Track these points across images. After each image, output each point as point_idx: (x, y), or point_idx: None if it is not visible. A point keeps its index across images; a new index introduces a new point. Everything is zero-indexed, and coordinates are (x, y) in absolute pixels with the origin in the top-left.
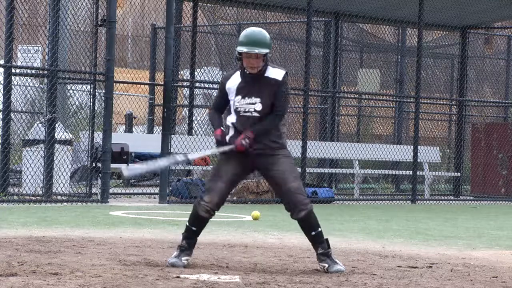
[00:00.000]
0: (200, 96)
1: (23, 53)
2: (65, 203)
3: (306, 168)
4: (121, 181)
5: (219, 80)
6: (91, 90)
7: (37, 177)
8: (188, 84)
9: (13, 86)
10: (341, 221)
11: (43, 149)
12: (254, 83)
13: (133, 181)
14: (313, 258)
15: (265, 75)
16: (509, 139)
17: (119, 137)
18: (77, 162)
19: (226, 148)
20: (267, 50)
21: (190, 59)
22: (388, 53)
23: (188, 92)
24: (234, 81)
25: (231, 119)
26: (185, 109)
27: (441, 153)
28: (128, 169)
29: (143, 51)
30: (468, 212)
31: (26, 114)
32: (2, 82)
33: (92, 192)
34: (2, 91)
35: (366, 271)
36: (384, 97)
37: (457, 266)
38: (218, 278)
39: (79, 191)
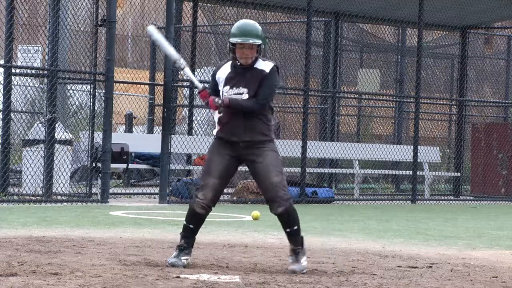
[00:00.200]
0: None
1: (23, 53)
2: (65, 203)
3: (306, 168)
4: (121, 181)
5: None
6: (91, 90)
7: (37, 177)
8: (188, 84)
9: (13, 86)
10: (341, 221)
11: (43, 149)
12: (243, 74)
13: (133, 181)
14: (313, 258)
15: (255, 66)
16: (509, 139)
17: (119, 137)
18: (77, 162)
19: (195, 81)
20: (260, 41)
21: (190, 59)
22: (388, 53)
23: (188, 92)
24: (224, 71)
25: (219, 114)
26: (185, 109)
27: (441, 153)
28: (154, 30)
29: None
30: (468, 212)
31: (26, 114)
32: (2, 82)
33: (92, 192)
34: (2, 91)
35: (366, 271)
36: (384, 97)
37: (457, 266)
38: (218, 278)
39: (79, 191)
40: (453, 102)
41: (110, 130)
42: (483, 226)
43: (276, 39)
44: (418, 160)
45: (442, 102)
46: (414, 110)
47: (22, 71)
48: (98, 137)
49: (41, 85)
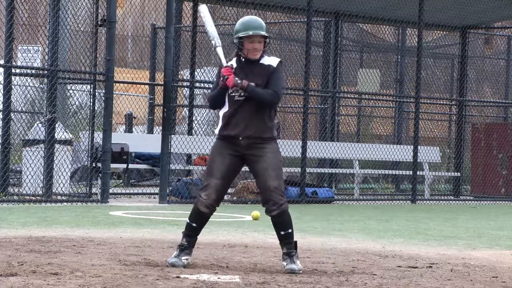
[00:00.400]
0: (200, 96)
1: (23, 53)
2: (65, 203)
3: (306, 168)
4: (121, 181)
5: None
6: (91, 90)
7: (37, 177)
8: (188, 84)
9: (13, 86)
10: (341, 221)
11: (43, 149)
12: (249, 70)
13: (133, 181)
14: (313, 258)
15: (261, 62)
16: (509, 139)
17: (119, 137)
18: (77, 162)
19: (223, 60)
20: (267, 35)
21: (190, 59)
22: (388, 53)
23: (188, 92)
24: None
25: (224, 109)
26: (185, 109)
27: (441, 153)
28: (204, 10)
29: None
30: (468, 212)
31: (26, 114)
32: (2, 82)
33: (92, 192)
34: (2, 91)
35: (366, 271)
36: (384, 97)
37: (457, 266)
38: (218, 278)
39: (79, 191)
40: (453, 102)
41: (110, 130)
42: (483, 226)
43: (276, 39)
44: (418, 160)
45: (442, 102)
46: (414, 110)
47: (22, 71)
48: (98, 137)
49: (41, 85)
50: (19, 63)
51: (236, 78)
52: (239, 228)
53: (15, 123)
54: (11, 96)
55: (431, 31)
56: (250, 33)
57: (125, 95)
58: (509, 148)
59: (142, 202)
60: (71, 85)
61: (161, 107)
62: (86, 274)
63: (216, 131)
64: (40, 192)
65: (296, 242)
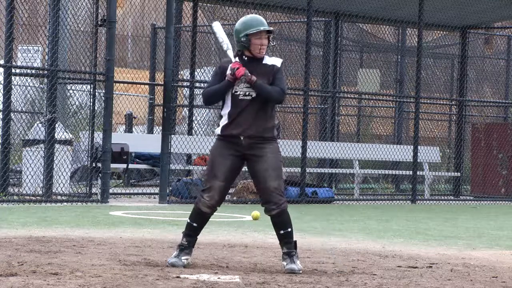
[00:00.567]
0: (200, 96)
1: (23, 53)
2: (65, 203)
3: (306, 168)
4: (121, 181)
5: None
6: (91, 90)
7: (37, 177)
8: (188, 84)
9: (13, 86)
10: (341, 221)
11: (43, 149)
12: (253, 68)
13: (133, 181)
14: (313, 258)
15: (264, 62)
16: (509, 139)
17: (119, 137)
18: (77, 162)
19: (229, 55)
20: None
21: (190, 59)
22: (388, 53)
23: (188, 92)
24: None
25: (226, 108)
26: (185, 109)
27: (441, 153)
28: (216, 27)
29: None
30: (468, 212)
31: (26, 114)
32: (2, 82)
33: (92, 192)
34: (2, 91)
35: (366, 271)
36: (384, 97)
37: (457, 266)
38: (218, 278)
39: (79, 191)
40: (453, 102)
41: (110, 130)
42: (483, 226)
43: (276, 39)
44: (418, 160)
45: (442, 102)
46: (414, 110)
47: (22, 71)
48: (98, 137)
49: (41, 85)
50: (19, 63)
51: (247, 71)
52: (239, 228)
53: (15, 123)
54: (11, 96)
55: (431, 31)
56: (261, 28)
57: (125, 95)
58: (509, 148)
59: (142, 202)
60: (71, 85)
61: (161, 107)
62: (86, 274)
63: (217, 130)
64: (40, 192)
65: (295, 241)
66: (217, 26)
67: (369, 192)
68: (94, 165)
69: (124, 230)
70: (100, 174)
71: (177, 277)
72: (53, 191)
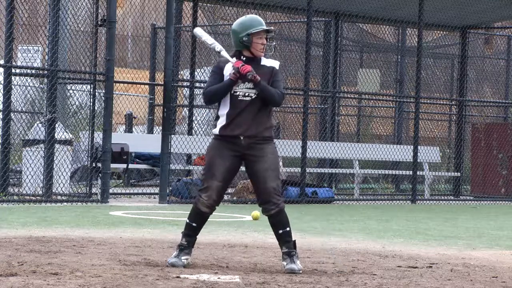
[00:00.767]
0: (200, 96)
1: (23, 53)
2: (65, 203)
3: (306, 168)
4: (121, 181)
5: None
6: (91, 90)
7: (37, 177)
8: (188, 84)
9: (13, 86)
10: (341, 221)
11: (43, 149)
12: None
13: (133, 181)
14: (313, 258)
15: (262, 63)
16: (509, 139)
17: (119, 137)
18: (77, 162)
19: (231, 59)
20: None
21: (190, 59)
22: (388, 53)
23: (188, 92)
24: (231, 67)
25: (224, 109)
26: (185, 109)
27: (441, 153)
28: (199, 31)
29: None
30: (468, 212)
31: (26, 114)
32: (2, 82)
33: (92, 192)
34: (2, 91)
35: (366, 271)
36: (384, 97)
37: (457, 266)
38: (218, 278)
39: (79, 191)
40: (453, 102)
41: (110, 130)
42: (483, 226)
43: (276, 39)
44: (418, 160)
45: (442, 102)
46: (414, 110)
47: (22, 71)
48: (98, 137)
49: (41, 85)
50: (19, 63)
51: (252, 70)
52: (239, 228)
53: (15, 123)
54: (11, 96)
55: (431, 31)
56: (264, 28)
57: (125, 95)
58: (509, 148)
59: (142, 202)
60: (71, 85)
61: (161, 107)
62: (86, 274)
63: (216, 130)
64: (40, 192)
65: (295, 241)
66: (199, 31)
67: (369, 192)
68: (94, 165)
69: (124, 230)
70: (100, 174)
71: (177, 277)
72: (53, 191)
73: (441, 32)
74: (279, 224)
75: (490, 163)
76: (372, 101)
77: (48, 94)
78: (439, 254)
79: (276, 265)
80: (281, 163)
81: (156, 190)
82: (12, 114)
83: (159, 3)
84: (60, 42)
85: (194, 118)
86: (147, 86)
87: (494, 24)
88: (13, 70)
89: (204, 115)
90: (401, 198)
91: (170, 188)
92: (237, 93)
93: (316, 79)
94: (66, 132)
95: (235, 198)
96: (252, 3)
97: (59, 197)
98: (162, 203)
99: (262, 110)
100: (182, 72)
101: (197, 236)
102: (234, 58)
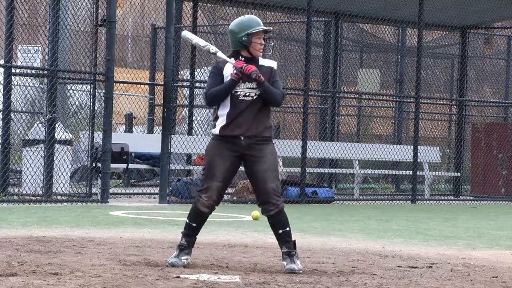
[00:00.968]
0: (200, 96)
1: (23, 53)
2: (65, 203)
3: (306, 168)
4: (121, 181)
5: None
6: (91, 90)
7: (37, 177)
8: (188, 84)
9: (13, 86)
10: (341, 221)
11: (43, 149)
12: None
13: (133, 181)
14: (313, 258)
15: (260, 64)
16: (509, 139)
17: (119, 137)
18: (77, 162)
19: (229, 60)
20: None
21: (190, 59)
22: (388, 53)
23: (188, 92)
24: (231, 67)
25: (225, 109)
26: (185, 109)
27: (441, 153)
28: (188, 34)
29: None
30: (468, 212)
31: (26, 114)
32: (2, 82)
33: (92, 192)
34: (2, 91)
35: (366, 271)
36: (384, 97)
37: (457, 266)
38: (218, 278)
39: (79, 191)
40: (453, 102)
41: (110, 130)
42: (483, 226)
43: (276, 39)
44: (418, 160)
45: (442, 102)
46: (414, 110)
47: (22, 71)
48: (98, 137)
49: (41, 85)
50: (19, 63)
51: (256, 70)
52: (239, 228)
53: (15, 123)
54: (11, 96)
55: (431, 31)
56: (264, 28)
57: (125, 95)
58: (509, 148)
59: (142, 202)
60: (71, 85)
61: (161, 107)
62: (86, 274)
63: (215, 131)
64: (40, 192)
65: (295, 241)
66: (188, 34)
67: (369, 192)
68: (94, 165)
69: (124, 230)
70: (100, 174)
71: (177, 277)
72: (53, 191)
73: (441, 32)
74: (279, 224)
75: (490, 163)
76: (372, 101)
77: (48, 94)
78: (439, 254)
79: (276, 265)
80: (281, 163)
81: (156, 190)
82: (12, 114)
83: (159, 3)
84: (60, 42)
85: (194, 118)
86: (147, 86)
87: (494, 24)
88: (13, 70)
89: (204, 115)
90: (401, 198)
91: (170, 188)
92: (238, 93)
93: (316, 79)
94: (66, 132)
95: (235, 198)
96: (252, 3)
97: (59, 197)
98: (162, 203)
99: (262, 110)
100: (182, 72)
101: (197, 236)
102: (233, 59)
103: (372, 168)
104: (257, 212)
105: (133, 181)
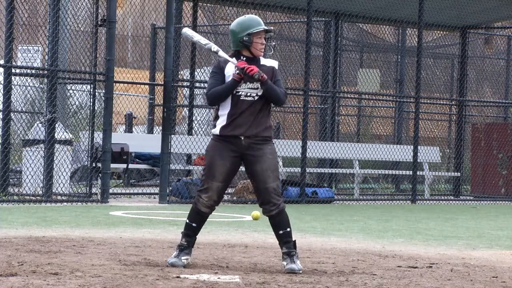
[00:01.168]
0: (200, 96)
1: (23, 53)
2: (65, 203)
3: (306, 168)
4: (121, 181)
5: None
6: (91, 90)
7: (37, 177)
8: (188, 84)
9: (13, 86)
10: (341, 221)
11: (43, 149)
12: None
13: (133, 181)
14: (313, 258)
15: (262, 63)
16: (509, 139)
17: (119, 137)
18: (77, 162)
19: (231, 59)
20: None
21: (190, 59)
22: (388, 53)
23: (188, 92)
24: (232, 67)
25: (225, 109)
26: (185, 109)
27: (441, 153)
28: (189, 31)
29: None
30: (468, 212)
31: (26, 114)
32: (2, 82)
33: (92, 192)
34: (2, 91)
35: (366, 271)
36: (384, 97)
37: (457, 266)
38: (218, 278)
39: (79, 191)
40: (453, 102)
41: (110, 130)
42: (483, 226)
43: (276, 39)
44: (418, 160)
45: (442, 102)
46: (414, 110)
47: (22, 71)
48: (98, 137)
49: (41, 85)
50: (19, 63)
51: (260, 71)
52: (239, 228)
53: (15, 123)
54: (11, 96)
55: (431, 31)
56: (265, 27)
57: (125, 95)
58: (509, 148)
59: (142, 202)
60: (71, 85)
61: (161, 107)
62: (86, 274)
63: (215, 131)
64: (40, 192)
65: (295, 241)
66: (189, 32)
67: (369, 192)
68: (94, 165)
69: (124, 230)
70: (100, 174)
71: (177, 277)
72: (53, 191)
73: (441, 32)
74: (280, 225)
75: (490, 163)
76: (372, 101)
77: (48, 94)
78: (439, 254)
79: (276, 265)
80: (281, 163)
81: (156, 190)
82: (12, 114)
83: (159, 3)
84: (60, 42)
85: (194, 118)
86: (147, 86)
87: (494, 24)
88: (13, 70)
89: (204, 115)
90: (401, 198)
91: (170, 188)
92: (239, 93)
93: (316, 79)
94: (66, 132)
95: (235, 198)
96: (252, 3)
97: (59, 197)
98: (162, 203)
99: (263, 110)
100: (182, 72)
101: (197, 236)
102: (234, 58)
103: (372, 168)
104: (257, 212)
105: (133, 181)
